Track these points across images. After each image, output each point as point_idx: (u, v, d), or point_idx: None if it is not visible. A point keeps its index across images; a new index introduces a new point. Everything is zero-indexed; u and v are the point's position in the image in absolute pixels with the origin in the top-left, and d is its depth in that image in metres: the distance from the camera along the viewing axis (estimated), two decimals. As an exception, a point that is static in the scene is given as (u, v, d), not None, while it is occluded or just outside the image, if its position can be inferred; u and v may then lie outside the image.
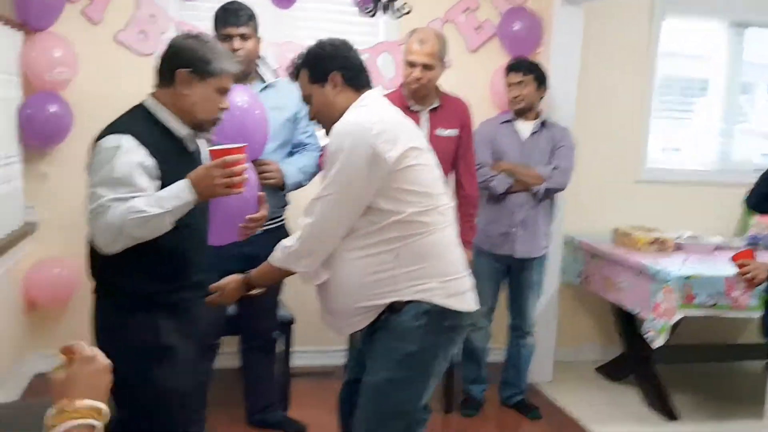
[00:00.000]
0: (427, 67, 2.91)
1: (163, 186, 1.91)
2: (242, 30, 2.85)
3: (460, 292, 2.02)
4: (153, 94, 2.03)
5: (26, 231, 3.42)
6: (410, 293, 1.95)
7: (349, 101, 2.05)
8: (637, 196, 4.34)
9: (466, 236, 3.09)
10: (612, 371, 4.11)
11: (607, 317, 4.22)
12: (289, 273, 2.07)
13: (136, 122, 1.96)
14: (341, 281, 2.00)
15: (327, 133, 2.13)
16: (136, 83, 3.51)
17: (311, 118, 2.17)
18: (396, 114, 2.09)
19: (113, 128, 1.94)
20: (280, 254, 2.03)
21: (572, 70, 3.83)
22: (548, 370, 4.00)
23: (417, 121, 2.95)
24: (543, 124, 3.49)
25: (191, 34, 2.10)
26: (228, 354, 3.35)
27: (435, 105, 3.01)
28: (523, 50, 3.88)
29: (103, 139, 1.91)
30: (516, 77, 3.41)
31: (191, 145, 2.07)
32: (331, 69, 2.05)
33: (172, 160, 1.96)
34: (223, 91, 2.04)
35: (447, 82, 3.14)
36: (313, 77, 2.07)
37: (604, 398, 3.84)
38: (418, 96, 2.97)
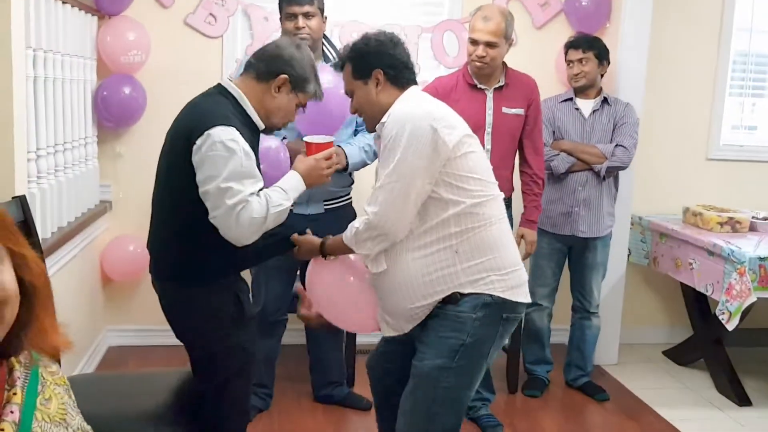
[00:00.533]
0: (490, 45, 2.86)
1: None
2: (306, 9, 2.87)
3: (517, 284, 2.01)
4: (237, 84, 2.08)
5: (102, 209, 3.56)
6: (471, 287, 1.94)
7: (391, 99, 2.04)
8: (708, 174, 4.21)
9: (531, 216, 3.07)
10: (680, 355, 4.02)
11: (675, 299, 4.13)
12: None
13: (233, 114, 2.01)
14: (401, 283, 1.97)
15: (368, 128, 2.15)
16: (205, 65, 3.67)
17: (353, 112, 2.17)
18: (445, 105, 2.11)
19: (218, 119, 1.94)
20: (348, 233, 2.03)
21: (642, 45, 3.72)
22: (614, 353, 3.94)
23: (482, 99, 2.93)
24: (605, 100, 3.44)
25: (296, 42, 2.19)
26: (295, 331, 3.40)
27: (501, 83, 2.97)
28: (590, 26, 3.80)
29: (215, 131, 1.91)
30: (576, 54, 3.38)
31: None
32: (374, 66, 2.03)
33: (254, 151, 2.05)
34: (301, 106, 2.16)
35: (512, 59, 3.10)
36: (356, 73, 2.06)
37: (672, 382, 3.76)
38: (483, 74, 2.93)
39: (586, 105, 3.44)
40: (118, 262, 3.65)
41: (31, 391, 1.00)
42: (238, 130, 1.95)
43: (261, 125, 2.11)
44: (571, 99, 3.46)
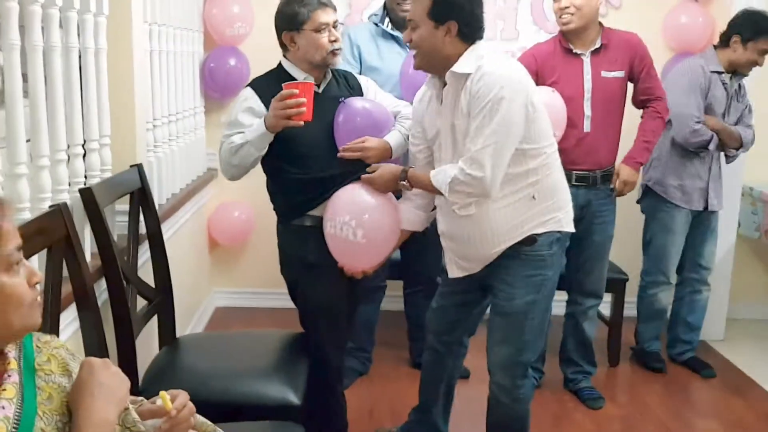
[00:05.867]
0: None
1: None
2: None
3: (572, 217, 2.23)
4: (284, 57, 2.35)
5: (209, 176, 3.70)
6: (543, 227, 2.12)
7: (456, 51, 2.03)
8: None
9: (638, 156, 2.93)
10: (792, 332, 3.84)
11: (788, 274, 3.93)
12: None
13: (266, 78, 2.32)
14: (485, 232, 2.11)
15: (416, 65, 2.12)
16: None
17: (407, 41, 2.11)
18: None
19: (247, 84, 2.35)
20: (441, 177, 2.06)
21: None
22: (720, 328, 3.79)
23: (579, 65, 2.83)
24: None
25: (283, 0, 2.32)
26: (393, 297, 3.46)
27: (597, 46, 2.84)
28: (703, -13, 3.61)
29: None
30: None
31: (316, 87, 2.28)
32: (451, 17, 2.01)
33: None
34: (322, 27, 2.23)
35: (617, 24, 2.98)
36: (432, 14, 2.01)
37: (783, 359, 3.61)
38: (574, 33, 2.82)
39: (731, 82, 3.21)
40: (224, 227, 3.81)
41: (28, 356, 1.10)
42: (257, 89, 2.26)
43: (300, 75, 2.28)
44: (721, 73, 3.18)
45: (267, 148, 2.22)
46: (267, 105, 2.20)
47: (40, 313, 1.10)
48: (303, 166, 2.26)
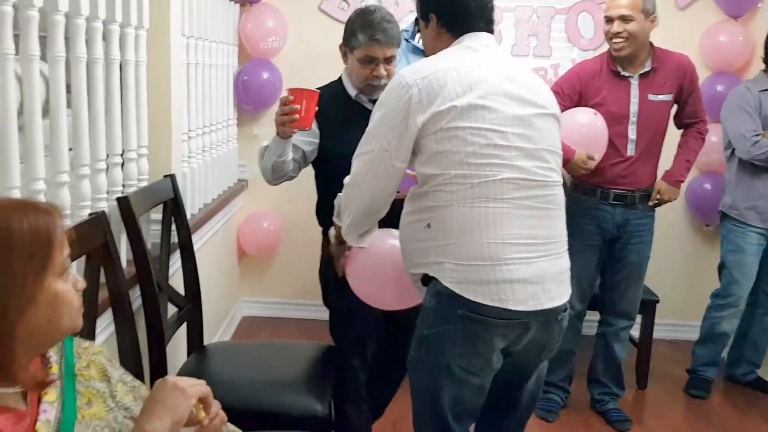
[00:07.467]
0: (624, 19, 2.71)
1: (323, 134, 2.26)
2: None
3: (480, 281, 1.64)
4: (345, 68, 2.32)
5: (240, 187, 3.75)
6: (434, 269, 1.69)
7: (445, 46, 1.79)
8: None
9: (681, 176, 2.92)
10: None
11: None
12: None
13: (327, 87, 2.25)
14: (401, 242, 1.81)
15: None
16: (337, 50, 3.74)
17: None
18: (473, 63, 1.71)
19: None
20: (335, 207, 1.90)
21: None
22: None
23: (626, 87, 2.80)
24: None
25: (361, 8, 2.27)
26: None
27: (647, 69, 2.80)
28: (740, 6, 3.58)
29: None
30: None
31: (369, 105, 2.24)
32: (428, 10, 1.82)
33: (340, 115, 2.24)
34: (367, 61, 2.18)
35: (653, 42, 2.98)
36: (421, 15, 1.86)
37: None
38: (624, 57, 2.77)
39: None
40: (253, 237, 3.85)
41: (68, 361, 1.13)
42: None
43: (352, 91, 2.28)
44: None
45: (286, 155, 2.20)
46: (320, 115, 2.16)
47: (82, 318, 1.14)
48: None
